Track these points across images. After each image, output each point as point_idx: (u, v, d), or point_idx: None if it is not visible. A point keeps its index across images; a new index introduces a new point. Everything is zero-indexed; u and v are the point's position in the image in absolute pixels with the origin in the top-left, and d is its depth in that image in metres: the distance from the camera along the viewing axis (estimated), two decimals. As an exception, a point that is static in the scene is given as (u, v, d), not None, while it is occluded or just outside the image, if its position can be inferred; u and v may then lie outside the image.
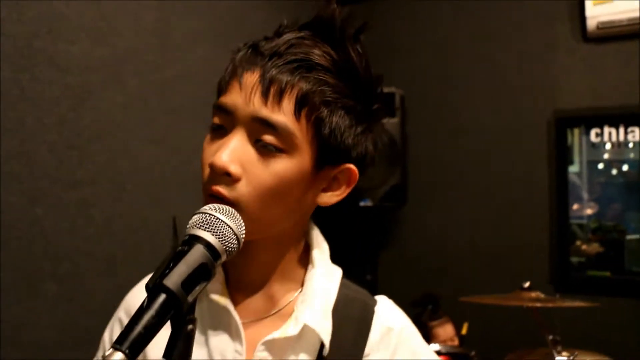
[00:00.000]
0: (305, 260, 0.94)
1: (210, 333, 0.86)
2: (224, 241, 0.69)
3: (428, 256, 3.33)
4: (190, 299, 0.63)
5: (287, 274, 0.91)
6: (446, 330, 2.49)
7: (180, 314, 0.62)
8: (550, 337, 2.04)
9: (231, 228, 0.70)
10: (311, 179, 0.85)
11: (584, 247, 3.49)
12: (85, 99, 1.84)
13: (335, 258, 3.39)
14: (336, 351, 0.86)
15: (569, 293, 3.13)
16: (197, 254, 0.65)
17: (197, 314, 0.84)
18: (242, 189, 0.79)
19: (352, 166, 0.89)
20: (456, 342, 2.49)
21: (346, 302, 0.92)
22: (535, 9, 3.22)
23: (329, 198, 0.91)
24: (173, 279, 0.61)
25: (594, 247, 3.45)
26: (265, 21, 2.85)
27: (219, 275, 0.88)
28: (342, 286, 0.94)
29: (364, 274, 3.25)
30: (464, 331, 2.46)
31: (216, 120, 0.82)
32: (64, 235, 1.73)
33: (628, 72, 3.06)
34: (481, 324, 2.65)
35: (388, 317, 0.94)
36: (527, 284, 2.15)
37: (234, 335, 0.85)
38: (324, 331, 0.86)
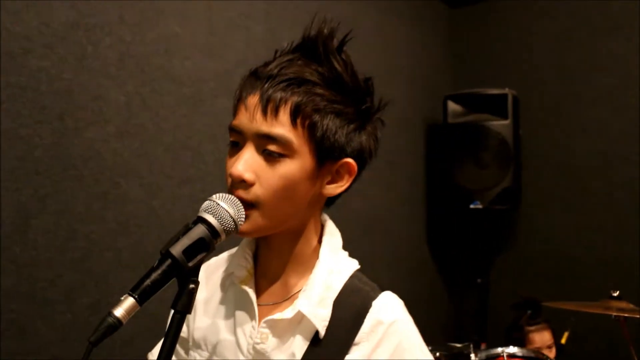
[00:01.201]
0: (319, 252, 1.07)
1: (237, 311, 1.05)
2: (222, 222, 0.89)
3: (541, 260, 3.26)
4: (191, 264, 0.83)
5: (301, 264, 1.06)
6: (543, 337, 2.45)
7: (183, 275, 0.83)
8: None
9: (228, 212, 0.90)
10: (315, 174, 0.99)
11: None
12: (198, 107, 2.11)
13: (445, 261, 3.44)
14: (330, 336, 0.98)
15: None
16: (198, 230, 0.86)
17: (226, 295, 1.08)
18: (257, 191, 0.95)
19: (350, 160, 1.02)
20: (553, 350, 2.44)
21: (351, 293, 1.02)
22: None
23: (334, 189, 1.04)
24: (177, 248, 0.83)
25: None
26: (377, 26, 2.99)
27: (247, 265, 1.07)
28: (353, 278, 1.05)
29: (474, 277, 3.26)
30: (563, 340, 2.40)
31: (232, 138, 1.00)
32: (177, 225, 1.98)
33: None
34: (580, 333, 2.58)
35: (382, 310, 1.01)
36: (616, 293, 2.06)
37: (252, 314, 1.03)
38: (318, 318, 0.99)
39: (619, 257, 3.08)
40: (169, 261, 0.82)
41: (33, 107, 1.69)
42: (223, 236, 0.89)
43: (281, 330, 1.00)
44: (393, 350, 0.98)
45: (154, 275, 0.80)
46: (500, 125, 3.05)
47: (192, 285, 0.83)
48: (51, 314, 1.71)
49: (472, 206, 3.06)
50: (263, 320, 1.01)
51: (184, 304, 0.82)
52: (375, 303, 1.02)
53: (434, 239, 3.35)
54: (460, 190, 3.11)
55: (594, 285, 3.06)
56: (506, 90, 3.08)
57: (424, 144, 3.32)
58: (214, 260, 1.16)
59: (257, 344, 1.01)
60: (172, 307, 0.83)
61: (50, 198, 1.72)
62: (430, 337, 3.28)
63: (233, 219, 0.90)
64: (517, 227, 3.35)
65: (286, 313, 1.00)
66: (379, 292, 1.04)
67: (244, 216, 0.93)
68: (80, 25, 1.81)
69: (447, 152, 3.18)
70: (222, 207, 0.89)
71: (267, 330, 1.01)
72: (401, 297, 3.19)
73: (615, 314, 1.98)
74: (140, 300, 0.78)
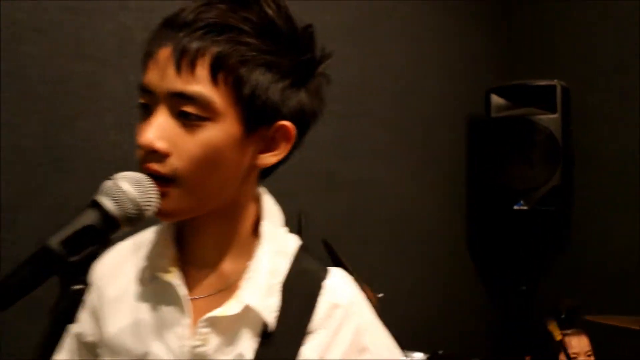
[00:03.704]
0: (257, 231, 0.90)
1: (162, 309, 0.87)
2: (121, 206, 0.71)
3: (593, 268, 2.97)
4: (74, 259, 0.65)
5: (237, 248, 0.89)
6: (581, 342, 2.20)
7: (64, 273, 0.65)
8: None
9: (128, 196, 0.72)
10: (244, 142, 0.82)
11: None
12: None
13: (487, 266, 3.21)
14: (281, 327, 0.84)
15: None
16: (86, 216, 0.68)
17: (145, 291, 0.88)
18: (174, 163, 0.79)
19: (286, 123, 0.84)
20: (592, 358, 2.19)
21: (297, 276, 0.88)
22: None
23: (268, 159, 0.86)
24: (54, 238, 0.65)
25: None
26: (412, 15, 2.81)
27: (167, 252, 0.89)
28: (296, 259, 0.91)
29: (518, 284, 3.00)
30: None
31: (141, 100, 0.82)
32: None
33: None
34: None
35: (336, 292, 0.89)
36: None
37: (181, 310, 0.85)
38: (267, 310, 0.84)
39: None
40: (40, 253, 0.64)
41: (22, 95, 1.61)
42: (125, 225, 0.72)
43: (224, 328, 0.84)
44: (354, 334, 0.88)
45: (21, 273, 0.63)
46: (548, 119, 2.79)
47: (77, 287, 0.65)
48: (39, 313, 1.62)
49: (516, 207, 2.81)
50: (202, 319, 0.84)
51: (65, 311, 0.65)
52: (326, 284, 0.89)
53: (475, 243, 3.11)
54: (503, 190, 2.87)
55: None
56: (555, 82, 2.82)
57: (465, 140, 3.08)
58: (124, 246, 0.95)
59: (196, 347, 0.84)
60: (50, 316, 0.65)
61: (39, 192, 1.63)
62: (470, 347, 3.08)
63: (135, 204, 0.72)
64: (568, 231, 3.06)
65: (230, 308, 0.83)
66: (328, 271, 0.91)
67: (153, 198, 0.75)
68: (77, 10, 1.72)
69: (490, 148, 2.94)
70: (122, 187, 0.71)
71: (207, 330, 0.84)
72: (439, 304, 2.95)
73: None
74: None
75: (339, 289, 0.90)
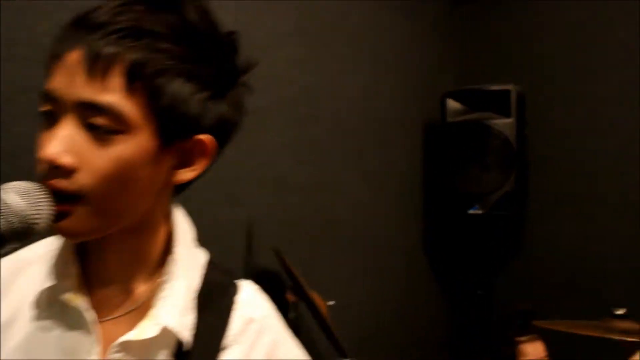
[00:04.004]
0: (168, 249, 0.85)
1: (63, 336, 0.80)
2: (6, 222, 0.65)
3: (549, 271, 2.98)
4: None
5: (148, 266, 0.84)
6: (536, 348, 2.19)
7: None
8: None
9: (13, 208, 0.66)
10: (159, 156, 0.76)
11: None
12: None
13: (444, 271, 3.20)
14: (196, 344, 0.80)
15: None
16: None
17: (43, 314, 0.80)
18: (82, 180, 0.72)
19: (205, 137, 0.80)
20: None
21: (209, 291, 0.85)
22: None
23: (185, 174, 0.81)
24: None
25: None
26: (368, 21, 2.79)
27: (69, 270, 0.82)
28: (207, 272, 0.87)
29: (475, 289, 3.00)
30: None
31: (44, 107, 0.75)
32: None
33: None
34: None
35: (250, 306, 0.87)
36: (621, 311, 1.78)
37: (88, 334, 0.79)
38: (184, 329, 0.80)
39: (635, 268, 2.80)
40: None
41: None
42: (12, 240, 0.65)
43: (139, 352, 0.79)
44: (268, 348, 0.87)
45: None
46: (503, 124, 2.80)
47: None
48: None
49: (471, 212, 2.80)
50: (114, 344, 0.78)
51: None
52: (239, 299, 0.87)
53: (432, 247, 3.09)
54: (458, 195, 2.86)
55: (609, 300, 2.80)
56: (509, 86, 2.82)
57: (421, 145, 3.07)
58: (11, 262, 0.85)
59: None
60: None
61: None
62: (428, 353, 3.05)
63: (24, 215, 0.65)
64: (523, 235, 3.07)
65: (146, 330, 0.78)
66: (239, 285, 0.88)
67: (44, 210, 0.68)
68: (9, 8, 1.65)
69: (446, 153, 2.93)
70: (7, 199, 0.65)
71: (120, 355, 0.78)
72: (395, 309, 2.89)
73: (617, 337, 1.70)
74: None
75: (253, 303, 0.88)
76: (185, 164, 0.80)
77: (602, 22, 2.95)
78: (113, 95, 0.71)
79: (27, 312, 0.81)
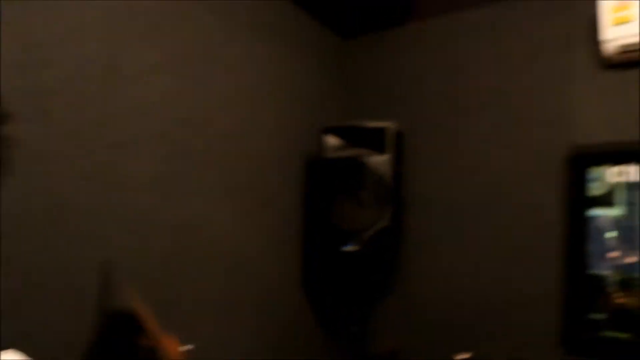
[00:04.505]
0: None
1: None
2: None
3: (425, 307, 3.04)
4: None
5: None
6: None
7: None
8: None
9: None
10: None
11: (606, 302, 3.09)
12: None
13: (322, 307, 3.14)
14: None
15: (582, 356, 2.77)
16: None
17: None
18: None
19: None
20: None
21: None
22: (552, 32, 2.93)
23: None
24: None
25: (615, 304, 3.03)
26: (250, 53, 2.76)
27: None
28: None
29: (351, 324, 3.00)
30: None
31: None
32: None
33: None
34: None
35: None
36: (464, 356, 1.81)
37: None
38: None
39: (505, 301, 2.90)
40: None
41: None
42: None
43: None
44: None
45: None
46: (379, 160, 2.84)
47: None
48: None
49: (345, 248, 2.81)
50: None
51: None
52: None
53: (310, 284, 3.08)
54: (335, 231, 2.87)
55: (481, 335, 2.88)
56: (385, 124, 2.88)
57: (301, 180, 3.06)
58: None
59: None
60: None
61: None
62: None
63: None
64: (400, 272, 3.12)
65: None
66: None
67: None
68: None
69: (324, 188, 2.94)
70: None
71: None
72: (275, 347, 2.80)
73: None
74: None
75: None
76: None
77: (477, 65, 3.09)
78: None
79: None
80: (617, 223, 3.28)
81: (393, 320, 3.10)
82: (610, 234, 3.17)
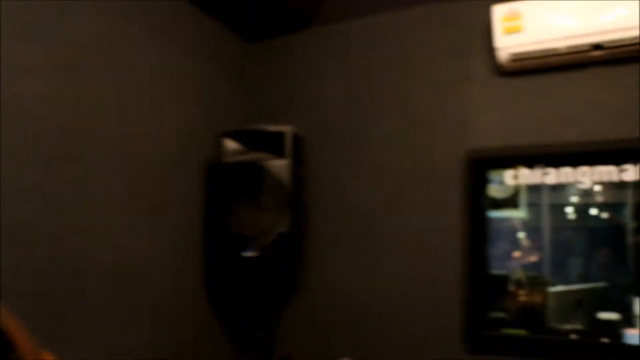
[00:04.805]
0: None
1: None
2: None
3: (328, 311, 3.03)
4: None
5: None
6: None
7: None
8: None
9: None
10: None
11: (507, 301, 3.17)
12: None
13: (226, 315, 3.04)
14: None
15: (484, 353, 2.82)
16: None
17: None
18: None
19: None
20: None
21: None
22: (451, 39, 2.98)
23: None
24: None
25: (515, 302, 3.12)
26: (147, 53, 2.67)
27: None
28: None
29: (254, 330, 2.95)
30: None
31: None
32: None
33: (544, 107, 2.79)
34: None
35: None
36: None
37: None
38: None
39: (402, 302, 2.93)
40: None
41: None
42: None
43: None
44: None
45: None
46: (278, 165, 2.81)
47: None
48: None
49: (245, 254, 2.76)
50: None
51: None
52: None
53: (213, 291, 3.01)
54: (235, 236, 2.81)
55: (387, 337, 2.89)
56: (285, 128, 2.85)
57: (202, 185, 2.99)
58: None
59: None
60: None
61: None
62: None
63: None
64: (302, 276, 3.10)
65: None
66: None
67: None
68: None
69: (224, 193, 2.88)
70: None
71: None
72: (179, 356, 2.66)
73: None
74: None
75: None
76: None
77: (378, 70, 3.12)
78: None
79: None
80: (519, 224, 3.38)
81: (297, 325, 3.07)
82: (514, 235, 3.27)
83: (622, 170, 2.71)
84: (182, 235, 2.87)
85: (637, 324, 2.73)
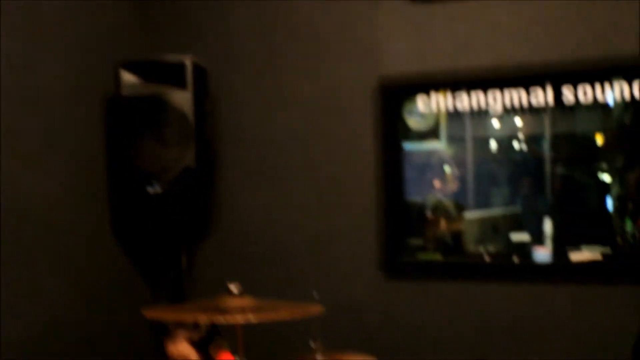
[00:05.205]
0: None
1: None
2: None
3: (244, 246, 2.99)
4: None
5: None
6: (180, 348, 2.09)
7: None
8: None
9: None
10: None
11: (423, 228, 3.20)
12: None
13: (137, 254, 2.88)
14: None
15: (401, 279, 2.84)
16: None
17: None
18: None
19: None
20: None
21: None
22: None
23: None
24: None
25: (433, 229, 3.16)
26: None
27: None
28: None
29: (167, 269, 2.87)
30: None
31: None
32: None
33: (457, 33, 2.73)
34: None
35: None
36: (235, 288, 1.73)
37: None
38: None
39: (324, 231, 2.92)
40: None
41: None
42: None
43: None
44: None
45: None
46: (180, 97, 2.67)
47: None
48: None
49: (149, 190, 2.64)
50: None
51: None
52: None
53: (122, 230, 2.88)
54: (139, 173, 2.68)
55: (306, 267, 2.87)
56: (185, 58, 2.69)
57: (99, 120, 2.81)
58: None
59: None
60: None
61: None
62: (130, 337, 2.82)
63: None
64: (214, 213, 3.02)
65: None
66: None
67: None
68: None
69: (124, 128, 2.72)
70: None
71: None
72: (91, 299, 2.51)
73: (224, 318, 1.60)
74: None
75: None
76: None
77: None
78: None
79: None
80: (441, 155, 3.38)
81: (212, 263, 3.01)
82: (435, 166, 3.29)
83: (535, 96, 2.70)
84: (81, 174, 2.71)
85: (546, 242, 2.79)
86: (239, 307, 1.64)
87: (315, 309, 1.77)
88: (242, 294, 1.72)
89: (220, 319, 1.62)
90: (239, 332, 1.60)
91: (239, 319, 1.59)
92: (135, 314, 2.86)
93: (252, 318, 1.63)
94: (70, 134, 2.66)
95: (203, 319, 1.75)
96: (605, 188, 2.91)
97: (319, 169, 2.93)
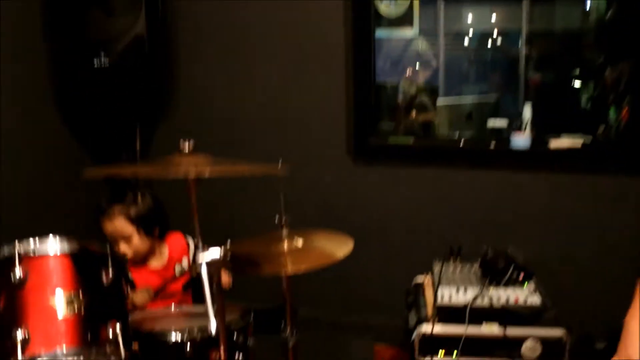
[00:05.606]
0: None
1: None
2: None
3: (202, 128, 2.76)
4: None
5: None
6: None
7: None
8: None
9: None
10: None
11: (395, 112, 3.05)
12: None
13: (84, 131, 2.58)
14: None
15: (371, 164, 2.69)
16: None
17: None
18: None
19: None
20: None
21: None
22: None
23: None
24: None
25: (404, 113, 3.01)
26: None
27: None
28: None
29: (120, 152, 2.64)
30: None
31: None
32: None
33: None
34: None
35: None
36: (187, 146, 1.52)
37: None
38: None
39: (291, 112, 2.74)
40: None
41: None
42: None
43: None
44: None
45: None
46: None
47: None
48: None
49: (96, 61, 2.38)
50: None
51: None
52: None
53: (67, 109, 2.62)
54: (85, 44, 2.40)
55: (267, 149, 2.68)
56: None
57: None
58: None
59: None
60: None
61: None
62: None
63: None
64: (169, 89, 2.78)
65: None
66: None
67: None
68: None
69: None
70: None
71: None
72: (34, 179, 2.12)
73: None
74: None
75: None
76: None
77: None
78: None
79: None
80: (413, 40, 3.21)
81: (169, 144, 2.79)
82: (410, 52, 3.16)
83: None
84: (16, 41, 2.42)
85: (524, 127, 2.64)
86: (192, 162, 1.44)
87: (277, 169, 1.58)
88: (195, 151, 1.51)
89: (170, 173, 1.43)
90: (192, 192, 1.40)
91: (190, 172, 1.39)
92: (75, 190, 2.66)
93: (205, 172, 1.44)
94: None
95: (150, 172, 1.56)
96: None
97: (285, 51, 2.70)
